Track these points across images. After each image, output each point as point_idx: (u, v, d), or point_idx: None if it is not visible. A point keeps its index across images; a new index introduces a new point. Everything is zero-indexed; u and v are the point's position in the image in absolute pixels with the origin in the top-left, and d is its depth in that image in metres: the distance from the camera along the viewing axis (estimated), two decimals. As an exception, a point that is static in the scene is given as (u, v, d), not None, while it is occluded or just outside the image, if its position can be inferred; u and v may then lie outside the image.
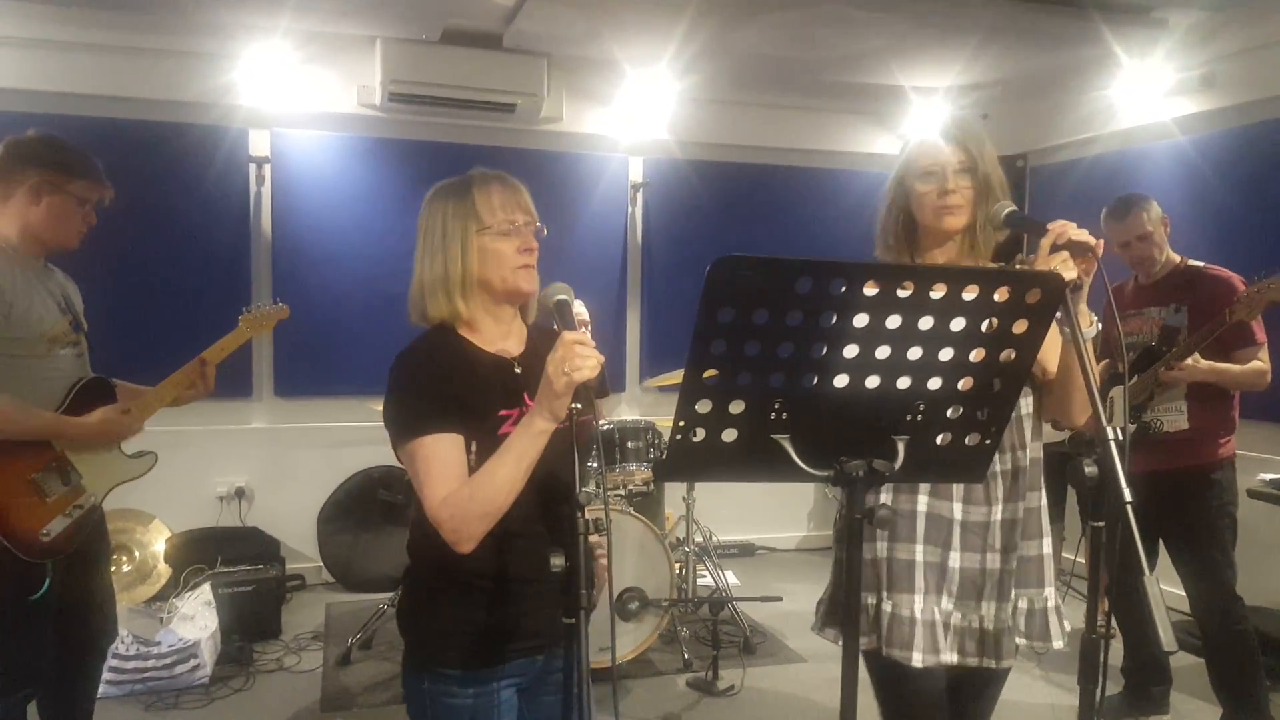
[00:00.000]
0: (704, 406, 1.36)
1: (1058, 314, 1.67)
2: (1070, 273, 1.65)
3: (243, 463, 5.23)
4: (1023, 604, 1.97)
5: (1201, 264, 3.44)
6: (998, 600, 1.93)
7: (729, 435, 1.40)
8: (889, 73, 5.24)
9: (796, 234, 5.98)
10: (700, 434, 1.39)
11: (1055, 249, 1.68)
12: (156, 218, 4.89)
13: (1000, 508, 1.92)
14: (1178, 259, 3.46)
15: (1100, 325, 1.76)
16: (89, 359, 2.64)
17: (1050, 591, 2.00)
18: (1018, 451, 1.92)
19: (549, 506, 1.70)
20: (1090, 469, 1.53)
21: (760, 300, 1.29)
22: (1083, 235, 1.67)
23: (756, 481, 1.44)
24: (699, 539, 4.89)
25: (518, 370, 1.76)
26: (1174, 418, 3.39)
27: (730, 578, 5.25)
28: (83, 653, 2.70)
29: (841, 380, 1.38)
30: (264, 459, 5.26)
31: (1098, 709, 1.65)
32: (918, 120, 5.71)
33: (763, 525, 6.16)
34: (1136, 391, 3.38)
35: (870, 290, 1.31)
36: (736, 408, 1.37)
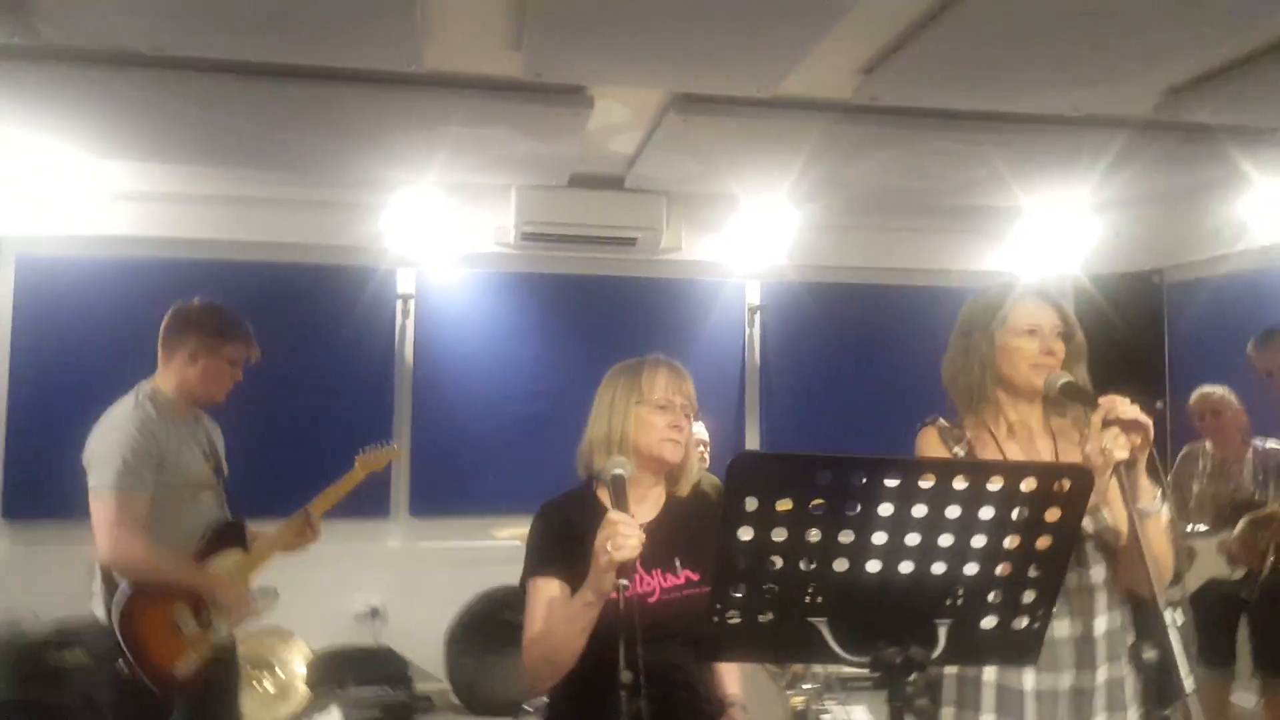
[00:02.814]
0: (738, 589, 1.42)
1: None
2: (1121, 451, 1.63)
3: (378, 582, 5.47)
4: None
5: None
6: None
7: (765, 617, 1.45)
8: (1009, 194, 5.20)
9: (910, 351, 5.86)
10: (736, 616, 1.44)
11: (1106, 424, 1.67)
12: (311, 354, 5.34)
13: (1069, 675, 1.85)
14: None
15: (1163, 500, 1.71)
16: (227, 501, 2.92)
17: None
18: (1089, 620, 1.86)
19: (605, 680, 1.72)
20: (1149, 654, 1.48)
21: (783, 490, 1.35)
22: (1133, 411, 1.65)
23: (796, 663, 1.47)
24: (821, 668, 4.70)
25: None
26: None
27: (861, 716, 4.98)
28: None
29: (874, 565, 1.41)
30: (398, 578, 5.49)
31: None
32: (1036, 238, 5.63)
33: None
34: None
35: (891, 482, 1.35)
36: (770, 591, 1.42)
